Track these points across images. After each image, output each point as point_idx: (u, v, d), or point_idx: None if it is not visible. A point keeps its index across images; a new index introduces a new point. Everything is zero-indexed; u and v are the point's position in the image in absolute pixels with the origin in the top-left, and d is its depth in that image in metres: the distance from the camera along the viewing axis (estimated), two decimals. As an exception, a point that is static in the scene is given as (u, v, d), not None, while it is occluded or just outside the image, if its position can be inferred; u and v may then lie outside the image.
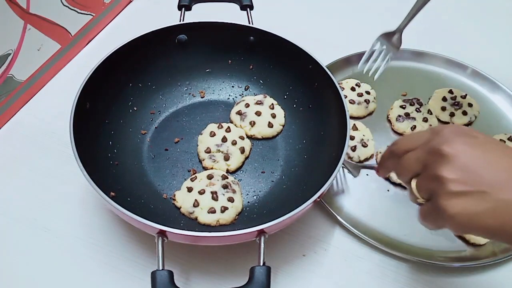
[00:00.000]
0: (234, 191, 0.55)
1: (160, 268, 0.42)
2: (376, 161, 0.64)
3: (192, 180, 0.56)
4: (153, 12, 0.83)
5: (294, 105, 0.65)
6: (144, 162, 0.59)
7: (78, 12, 0.73)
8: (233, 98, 0.67)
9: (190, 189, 0.55)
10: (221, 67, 0.66)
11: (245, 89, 0.68)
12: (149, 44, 0.61)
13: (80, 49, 0.76)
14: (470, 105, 0.70)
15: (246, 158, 0.61)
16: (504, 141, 0.65)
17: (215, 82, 0.68)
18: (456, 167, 0.34)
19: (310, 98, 0.62)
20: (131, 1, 0.85)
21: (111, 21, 0.81)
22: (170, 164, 0.59)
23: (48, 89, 0.70)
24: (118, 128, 0.60)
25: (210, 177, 0.56)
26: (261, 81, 0.67)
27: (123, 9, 0.84)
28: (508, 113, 0.71)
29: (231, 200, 0.54)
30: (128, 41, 0.59)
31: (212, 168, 0.58)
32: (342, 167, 0.54)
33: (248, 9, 0.64)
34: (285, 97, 0.65)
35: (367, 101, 0.69)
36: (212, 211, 0.53)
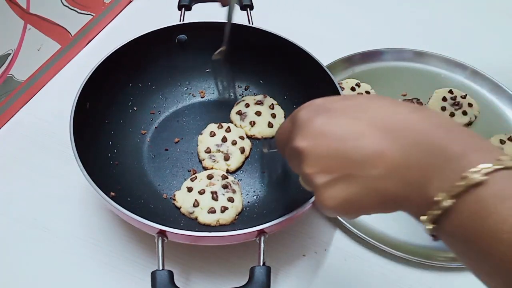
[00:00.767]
0: (234, 191, 0.55)
1: (160, 268, 0.42)
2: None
3: (192, 180, 0.56)
4: (153, 12, 0.82)
5: (294, 105, 0.64)
6: (144, 162, 0.59)
7: (78, 12, 0.73)
8: (233, 98, 0.67)
9: (190, 189, 0.55)
10: (221, 67, 0.66)
11: (245, 89, 0.68)
12: (149, 44, 0.61)
13: (80, 49, 0.76)
14: (470, 105, 0.70)
15: (246, 158, 0.61)
16: (504, 141, 0.65)
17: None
18: (314, 159, 0.33)
19: (310, 98, 0.61)
20: (131, 1, 0.85)
21: (111, 21, 0.81)
22: (170, 164, 0.59)
23: (48, 89, 0.70)
24: (118, 128, 0.60)
25: (210, 177, 0.56)
26: (261, 81, 0.67)
27: (123, 9, 0.84)
28: (508, 113, 0.71)
29: (231, 200, 0.54)
30: (128, 41, 0.59)
31: (212, 168, 0.58)
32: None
33: (248, 9, 0.64)
34: (285, 97, 0.65)
35: (367, 101, 0.69)
36: (212, 211, 0.53)
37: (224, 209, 0.53)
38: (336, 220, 0.57)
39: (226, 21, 0.58)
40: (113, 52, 0.57)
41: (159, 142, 0.62)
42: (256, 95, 0.66)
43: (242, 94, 0.67)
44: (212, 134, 0.60)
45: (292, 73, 0.63)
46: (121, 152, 0.58)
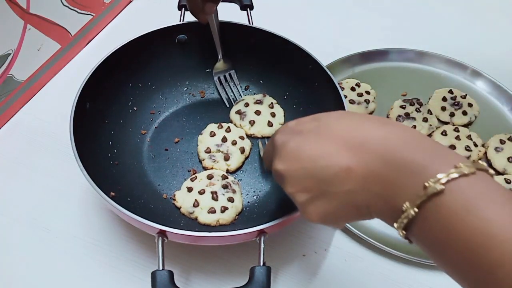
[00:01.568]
0: (234, 191, 0.55)
1: (160, 268, 0.42)
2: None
3: (192, 180, 0.56)
4: (153, 12, 0.83)
5: (294, 105, 0.65)
6: (144, 162, 0.59)
7: (78, 12, 0.73)
8: (233, 98, 0.67)
9: (190, 189, 0.55)
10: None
11: (245, 89, 0.68)
12: (149, 44, 0.61)
13: (80, 49, 0.76)
14: (470, 105, 0.70)
15: (246, 158, 0.61)
16: (504, 141, 0.65)
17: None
18: (292, 181, 0.36)
19: (310, 98, 0.62)
20: (131, 1, 0.85)
21: (111, 21, 0.81)
22: (170, 164, 0.59)
23: (48, 89, 0.70)
24: (118, 128, 0.60)
25: (210, 177, 0.56)
26: (261, 81, 0.67)
27: (123, 9, 0.84)
28: (508, 113, 0.71)
29: (231, 200, 0.54)
30: (128, 41, 0.59)
31: (212, 168, 0.58)
32: None
33: (248, 9, 0.64)
34: (285, 97, 0.65)
35: (367, 101, 0.69)
36: (212, 211, 0.53)
37: (224, 209, 0.53)
38: (336, 220, 0.57)
39: (213, 35, 0.60)
40: (113, 52, 0.57)
41: (159, 142, 0.61)
42: (255, 94, 0.66)
43: (241, 94, 0.67)
44: (212, 134, 0.60)
45: (292, 73, 0.63)
46: (121, 152, 0.58)
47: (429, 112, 0.68)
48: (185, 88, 0.67)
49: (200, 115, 0.65)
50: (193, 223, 0.53)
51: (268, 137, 0.63)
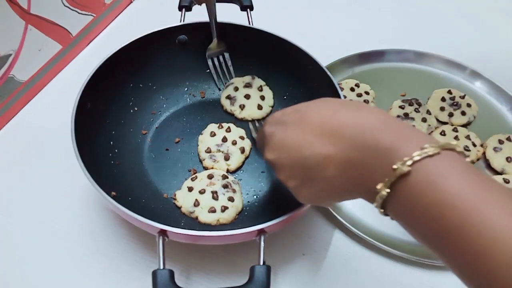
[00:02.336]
0: (234, 191, 0.55)
1: (161, 267, 0.42)
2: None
3: (192, 179, 0.56)
4: (154, 12, 0.83)
5: (294, 105, 0.65)
6: (145, 162, 0.59)
7: (79, 13, 0.73)
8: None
9: (190, 189, 0.55)
10: (221, 67, 0.67)
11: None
12: (150, 44, 0.61)
13: (81, 49, 0.76)
14: (469, 105, 0.71)
15: (246, 158, 0.61)
16: (503, 141, 0.65)
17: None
18: (281, 169, 0.40)
19: (310, 98, 0.61)
20: (132, 2, 0.86)
21: (111, 22, 0.82)
22: (171, 164, 0.60)
23: (49, 90, 0.71)
24: (119, 128, 0.60)
25: (210, 176, 0.56)
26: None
27: (123, 9, 0.84)
28: (506, 113, 0.72)
29: (231, 199, 0.54)
30: (129, 41, 0.59)
31: (212, 168, 0.59)
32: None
33: (248, 9, 0.64)
34: (285, 97, 0.66)
35: (366, 102, 0.70)
36: (212, 210, 0.53)
37: (224, 209, 0.53)
38: (336, 219, 0.57)
39: (209, 16, 0.61)
40: (114, 53, 0.58)
41: (160, 142, 0.62)
42: (244, 76, 0.66)
43: (233, 75, 0.67)
44: (213, 134, 0.61)
45: (292, 74, 0.64)
46: (122, 152, 0.58)
47: (428, 112, 0.68)
48: (186, 89, 0.67)
49: (201, 115, 0.65)
50: (193, 223, 0.53)
51: (258, 120, 0.64)
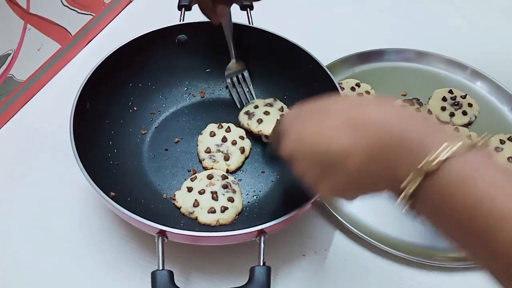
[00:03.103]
0: (234, 191, 0.55)
1: (160, 268, 0.42)
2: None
3: (192, 180, 0.56)
4: (153, 12, 0.83)
5: (294, 106, 0.64)
6: (144, 162, 0.59)
7: (78, 12, 0.73)
8: (233, 98, 0.67)
9: (190, 189, 0.55)
10: (221, 67, 0.66)
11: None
12: (149, 44, 0.61)
13: (80, 49, 0.76)
14: (470, 105, 0.70)
15: (246, 158, 0.61)
16: (504, 141, 0.65)
17: (215, 82, 0.68)
18: (299, 163, 0.38)
19: (310, 98, 0.62)
20: (131, 1, 0.85)
21: (111, 21, 0.81)
22: (170, 164, 0.59)
23: (48, 89, 0.70)
24: (118, 128, 0.60)
25: (210, 177, 0.56)
26: (261, 81, 0.67)
27: (123, 9, 0.84)
28: (508, 113, 0.71)
29: (231, 200, 0.54)
30: (128, 41, 0.59)
31: (212, 168, 0.58)
32: None
33: (248, 9, 0.64)
34: (285, 97, 0.65)
35: (367, 101, 0.69)
36: (212, 211, 0.53)
37: (224, 209, 0.53)
38: (336, 220, 0.57)
39: (226, 36, 0.60)
40: (113, 52, 0.57)
41: (159, 142, 0.62)
42: (259, 97, 0.66)
43: (254, 95, 0.66)
44: (212, 134, 0.60)
45: (292, 73, 0.64)
46: (121, 152, 0.58)
47: (429, 112, 0.68)
48: (185, 88, 0.67)
49: (200, 115, 0.65)
50: (193, 223, 0.53)
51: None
